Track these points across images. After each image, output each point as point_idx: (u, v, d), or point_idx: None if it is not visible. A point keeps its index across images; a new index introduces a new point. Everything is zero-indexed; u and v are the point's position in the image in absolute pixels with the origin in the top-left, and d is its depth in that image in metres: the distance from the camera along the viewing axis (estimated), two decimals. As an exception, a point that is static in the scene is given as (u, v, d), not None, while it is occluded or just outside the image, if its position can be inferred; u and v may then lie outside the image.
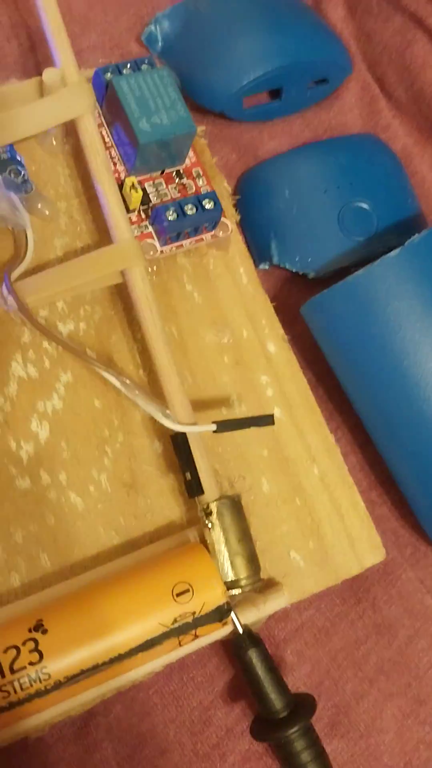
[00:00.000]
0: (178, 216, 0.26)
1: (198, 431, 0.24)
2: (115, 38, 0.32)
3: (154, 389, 0.26)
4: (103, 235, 0.28)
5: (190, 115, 0.27)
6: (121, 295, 0.27)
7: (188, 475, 0.24)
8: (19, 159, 0.27)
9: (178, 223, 0.26)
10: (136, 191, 0.27)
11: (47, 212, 0.27)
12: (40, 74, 0.30)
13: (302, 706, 0.24)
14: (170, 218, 0.26)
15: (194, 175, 0.29)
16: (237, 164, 0.32)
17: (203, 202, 0.27)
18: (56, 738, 0.25)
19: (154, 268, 0.28)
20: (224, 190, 0.29)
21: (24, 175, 0.27)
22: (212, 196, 0.27)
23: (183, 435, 0.24)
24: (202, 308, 0.28)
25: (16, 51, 0.31)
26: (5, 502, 0.24)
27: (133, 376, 0.26)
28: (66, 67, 0.26)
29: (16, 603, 0.23)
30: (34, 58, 0.31)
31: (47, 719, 0.22)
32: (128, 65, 0.28)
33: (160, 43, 0.32)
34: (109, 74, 0.27)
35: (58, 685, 0.21)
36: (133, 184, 0.27)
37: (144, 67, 0.28)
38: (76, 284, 0.25)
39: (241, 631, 0.24)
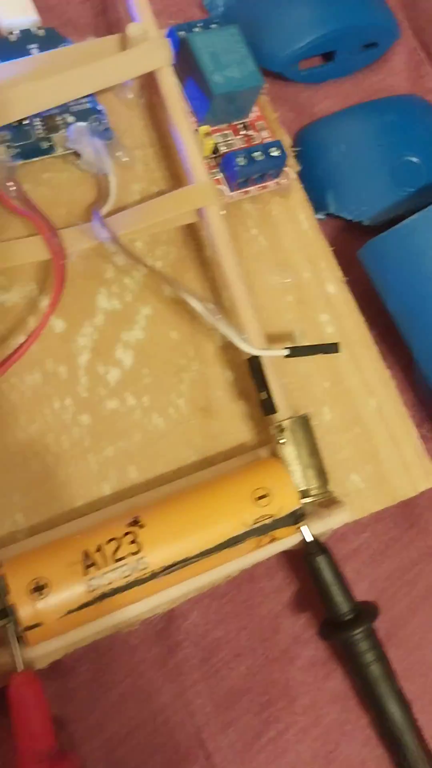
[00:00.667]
0: (247, 162, 0.29)
1: (272, 355, 0.26)
2: (178, 4, 0.35)
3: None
4: (175, 181, 0.30)
5: (258, 70, 0.29)
6: (193, 236, 0.29)
7: (263, 395, 0.26)
8: (100, 109, 0.29)
9: (246, 168, 0.29)
10: (210, 139, 0.29)
11: (125, 159, 0.29)
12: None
13: (366, 611, 0.26)
14: (240, 164, 0.28)
15: (258, 127, 0.31)
16: (294, 122, 0.34)
17: (270, 150, 0.29)
18: (140, 639, 0.27)
19: (223, 212, 0.30)
20: (285, 142, 0.32)
21: (105, 123, 0.29)
22: (278, 144, 0.29)
23: (258, 358, 0.26)
24: (266, 251, 0.30)
25: (89, 13, 0.33)
26: (97, 421, 0.27)
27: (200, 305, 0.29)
28: (146, 22, 0.28)
29: (109, 507, 0.25)
30: (106, 20, 0.33)
31: (139, 612, 0.24)
32: (199, 24, 0.30)
33: (220, 8, 0.34)
34: (182, 32, 0.30)
35: (153, 575, 0.23)
36: (207, 133, 0.29)
37: (213, 26, 0.30)
38: (158, 221, 0.27)
39: (311, 539, 0.26)
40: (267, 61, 0.33)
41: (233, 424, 0.28)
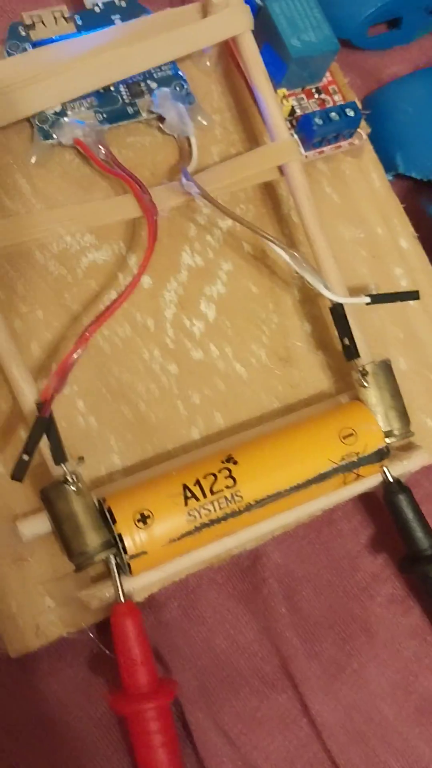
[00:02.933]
0: (323, 122, 0.30)
1: (354, 302, 0.27)
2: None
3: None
4: (252, 143, 0.31)
5: (333, 34, 0.30)
6: (271, 195, 0.30)
7: (346, 341, 0.27)
8: (181, 74, 0.30)
9: (324, 128, 0.30)
10: (287, 101, 0.30)
11: (205, 123, 0.30)
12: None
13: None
14: (318, 123, 0.29)
15: (331, 91, 0.32)
16: (361, 88, 0.35)
17: (345, 110, 0.30)
18: (227, 577, 0.28)
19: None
20: (356, 105, 0.32)
21: (187, 88, 0.30)
22: (352, 105, 0.30)
23: (341, 305, 0.27)
24: (341, 208, 0.31)
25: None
26: (184, 370, 0.28)
27: (283, 267, 0.30)
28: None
29: (200, 449, 0.26)
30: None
31: (231, 546, 0.26)
32: (275, -11, 0.31)
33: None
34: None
35: (248, 507, 0.24)
36: (284, 95, 0.30)
37: (288, -7, 0.31)
38: (242, 177, 0.28)
39: (392, 479, 0.27)
40: (335, 28, 0.34)
41: (313, 373, 0.29)
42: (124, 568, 0.24)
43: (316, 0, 0.30)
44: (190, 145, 0.30)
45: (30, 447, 0.23)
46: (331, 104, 0.32)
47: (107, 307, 0.26)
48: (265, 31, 0.30)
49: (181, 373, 0.28)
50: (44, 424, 0.23)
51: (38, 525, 0.24)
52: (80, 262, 0.28)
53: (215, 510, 0.24)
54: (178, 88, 0.30)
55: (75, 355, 0.24)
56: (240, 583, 0.28)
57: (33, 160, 0.28)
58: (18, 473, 0.23)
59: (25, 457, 0.23)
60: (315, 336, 0.29)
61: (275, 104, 0.28)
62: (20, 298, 0.27)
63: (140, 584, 0.25)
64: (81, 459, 0.25)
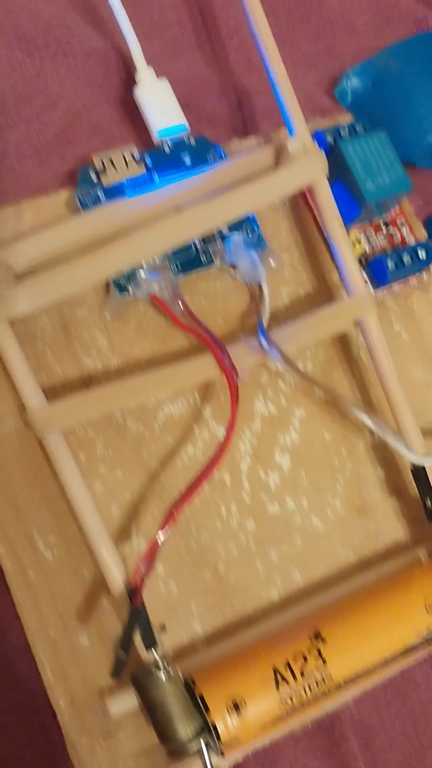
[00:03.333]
0: (396, 266, 0.29)
1: (436, 464, 0.27)
2: (307, 93, 0.35)
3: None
4: (321, 282, 0.31)
5: (406, 174, 0.30)
6: (341, 337, 0.30)
7: (429, 503, 0.27)
8: (252, 217, 0.30)
9: (397, 273, 0.30)
10: (359, 244, 0.30)
11: (274, 264, 0.30)
12: (246, 129, 0.34)
13: None
14: (391, 269, 0.29)
15: (398, 223, 0.32)
16: (423, 209, 0.35)
17: (418, 252, 0.30)
18: (304, 731, 0.28)
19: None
20: (422, 236, 0.32)
21: (258, 233, 0.30)
22: (425, 246, 0.30)
23: (423, 468, 0.27)
24: (410, 346, 0.31)
25: (226, 109, 0.34)
26: (261, 526, 0.28)
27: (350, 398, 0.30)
28: (302, 135, 0.29)
29: (281, 615, 0.26)
30: (241, 114, 0.34)
31: (315, 717, 0.26)
32: (346, 128, 0.31)
33: (350, 98, 0.35)
34: (329, 136, 0.31)
35: (338, 687, 0.24)
36: (356, 238, 0.30)
37: (358, 127, 0.31)
38: (319, 336, 0.28)
39: None
40: (398, 150, 0.34)
41: (388, 522, 0.29)
42: (215, 749, 0.24)
43: (387, 138, 0.30)
44: (261, 290, 0.30)
45: (126, 643, 0.23)
46: (398, 238, 0.31)
47: (193, 483, 0.25)
48: (337, 169, 0.30)
49: (258, 529, 0.28)
50: (138, 616, 0.23)
51: (127, 703, 0.24)
52: (157, 417, 0.28)
53: (306, 693, 0.24)
54: (249, 233, 0.30)
55: (163, 536, 0.24)
56: (317, 737, 0.28)
57: (108, 315, 0.28)
58: (117, 671, 0.23)
59: (122, 654, 0.23)
60: (389, 482, 0.29)
61: (351, 257, 0.28)
62: (100, 459, 0.27)
63: (229, 762, 0.25)
64: (163, 628, 0.25)
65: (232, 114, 0.34)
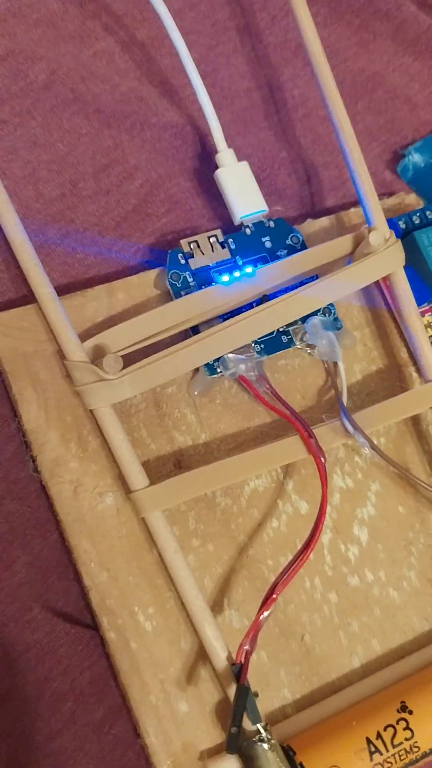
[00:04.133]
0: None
1: None
2: (370, 166, 0.37)
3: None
4: (390, 358, 0.33)
5: None
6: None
7: None
8: (330, 300, 0.32)
9: (467, 354, 0.32)
10: (429, 328, 0.32)
11: (348, 342, 0.32)
12: (313, 202, 0.36)
13: None
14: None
15: (462, 304, 0.34)
16: None
17: None
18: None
19: None
20: None
21: (334, 313, 0.32)
22: None
23: None
24: None
25: (295, 184, 0.36)
26: (343, 598, 0.30)
27: (425, 482, 0.32)
28: (380, 225, 0.31)
29: (364, 683, 0.29)
30: (309, 189, 0.36)
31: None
32: (418, 215, 0.33)
33: (411, 173, 0.37)
34: (402, 223, 0.33)
35: (425, 755, 0.27)
36: (428, 322, 0.32)
37: (429, 214, 0.33)
38: (397, 418, 0.30)
39: None
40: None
41: (458, 593, 0.31)
42: None
43: (460, 227, 0.32)
44: (337, 368, 0.32)
45: (238, 719, 0.25)
46: (463, 318, 0.34)
47: (292, 566, 0.27)
48: (410, 255, 0.32)
49: (340, 601, 0.30)
50: (245, 693, 0.25)
51: (226, 768, 0.26)
52: (243, 491, 0.30)
53: (396, 762, 0.26)
54: (326, 314, 0.32)
55: (265, 616, 0.26)
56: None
57: (196, 392, 0.30)
58: (232, 747, 0.25)
59: (235, 730, 0.25)
60: (458, 553, 0.32)
61: (428, 346, 0.30)
62: (192, 532, 0.29)
63: None
64: (256, 694, 0.27)
65: (300, 188, 0.36)
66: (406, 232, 0.33)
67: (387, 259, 0.30)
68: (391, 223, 0.32)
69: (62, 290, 0.32)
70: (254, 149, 0.36)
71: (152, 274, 0.31)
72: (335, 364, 0.32)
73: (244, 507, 0.30)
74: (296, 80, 0.37)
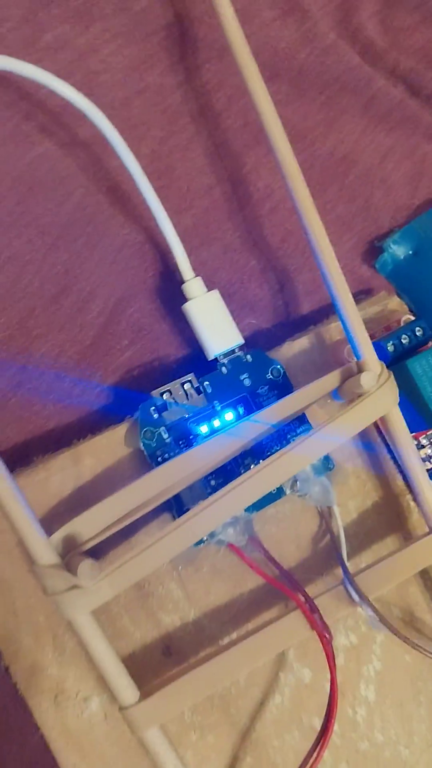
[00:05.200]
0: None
1: None
2: (344, 260, 0.35)
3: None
4: (386, 489, 0.31)
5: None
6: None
7: None
8: (320, 440, 0.30)
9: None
10: (423, 449, 0.30)
11: (340, 479, 0.30)
12: (288, 311, 0.33)
13: None
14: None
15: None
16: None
17: None
18: None
19: None
20: None
21: (327, 456, 0.29)
22: None
23: None
24: None
25: (267, 294, 0.33)
26: (353, 765, 0.28)
27: (430, 624, 0.30)
28: (371, 364, 0.28)
29: None
30: (282, 297, 0.33)
31: None
32: (406, 334, 0.30)
33: (390, 267, 0.35)
34: (390, 345, 0.30)
35: None
36: (426, 455, 0.30)
37: (418, 331, 0.30)
38: (405, 575, 0.28)
39: None
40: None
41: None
42: None
43: (452, 350, 0.30)
44: (332, 512, 0.29)
45: None
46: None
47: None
48: (401, 382, 0.29)
49: (350, 770, 0.28)
50: None
51: None
52: (241, 667, 0.28)
53: None
54: (317, 459, 0.29)
55: None
56: None
57: (180, 566, 0.28)
58: None
59: None
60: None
61: (430, 489, 0.28)
62: (189, 726, 0.27)
63: None
64: None
65: (273, 298, 0.33)
66: (395, 356, 0.30)
67: (381, 399, 0.28)
68: (378, 348, 0.30)
69: (19, 454, 0.29)
70: (220, 261, 0.33)
71: (121, 430, 0.28)
72: (329, 507, 0.30)
73: (243, 687, 0.28)
74: (260, 169, 0.34)
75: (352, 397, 0.30)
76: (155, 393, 0.28)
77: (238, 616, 0.28)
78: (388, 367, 0.29)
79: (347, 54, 0.35)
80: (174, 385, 0.28)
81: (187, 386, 0.29)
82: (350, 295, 0.29)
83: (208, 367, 0.30)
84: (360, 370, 0.28)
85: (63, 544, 0.25)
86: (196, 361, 0.31)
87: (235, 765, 0.27)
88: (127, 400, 0.31)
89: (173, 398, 0.28)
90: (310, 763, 0.26)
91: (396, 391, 0.28)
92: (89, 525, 0.26)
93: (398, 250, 0.35)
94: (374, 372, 0.28)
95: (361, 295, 0.35)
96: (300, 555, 0.29)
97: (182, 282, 0.30)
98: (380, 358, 0.29)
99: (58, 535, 0.25)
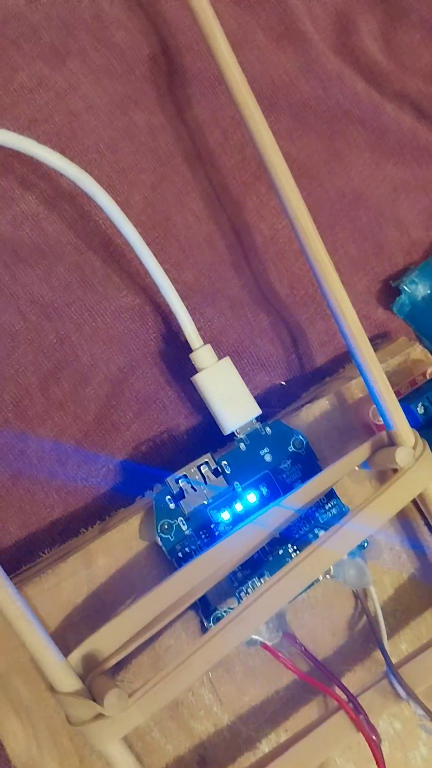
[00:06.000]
0: None
1: None
2: (357, 304, 0.32)
3: None
4: (422, 560, 0.29)
5: None
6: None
7: None
8: (350, 515, 0.28)
9: None
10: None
11: (375, 555, 0.28)
12: (303, 366, 0.31)
13: None
14: None
15: None
16: None
17: None
18: None
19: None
20: None
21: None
22: None
23: None
24: None
25: (280, 350, 0.31)
26: None
27: None
28: (405, 436, 0.26)
29: None
30: (296, 351, 0.31)
31: None
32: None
33: (408, 308, 0.32)
34: (420, 408, 0.28)
35: None
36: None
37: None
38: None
39: None
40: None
41: None
42: None
43: None
44: (368, 594, 0.28)
45: None
46: None
47: None
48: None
49: None
50: None
51: None
52: None
53: None
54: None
55: None
56: None
57: (210, 672, 0.26)
58: None
59: None
60: None
61: None
62: None
63: None
64: None
65: (286, 353, 0.31)
66: (426, 419, 0.28)
67: (419, 476, 0.26)
68: (407, 411, 0.28)
69: (24, 550, 0.27)
70: (227, 318, 0.30)
71: (134, 522, 0.26)
72: (365, 590, 0.28)
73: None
74: (262, 210, 0.32)
75: (384, 469, 0.28)
76: (170, 480, 0.26)
77: (276, 716, 0.26)
78: (419, 432, 0.27)
79: (351, 79, 0.32)
80: (190, 469, 0.26)
81: (204, 469, 0.26)
82: (372, 350, 0.26)
83: (221, 441, 0.28)
84: (392, 441, 0.26)
85: (83, 662, 0.23)
86: (208, 431, 0.29)
87: None
88: (138, 478, 0.28)
89: (192, 486, 0.26)
90: None
91: (432, 462, 0.26)
92: (109, 639, 0.24)
93: (416, 289, 0.32)
94: (409, 446, 0.26)
95: (377, 339, 0.33)
96: (336, 642, 0.28)
97: (190, 349, 0.27)
98: (410, 422, 0.27)
99: (77, 654, 0.23)
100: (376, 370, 0.26)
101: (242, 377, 0.28)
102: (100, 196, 0.27)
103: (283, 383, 0.30)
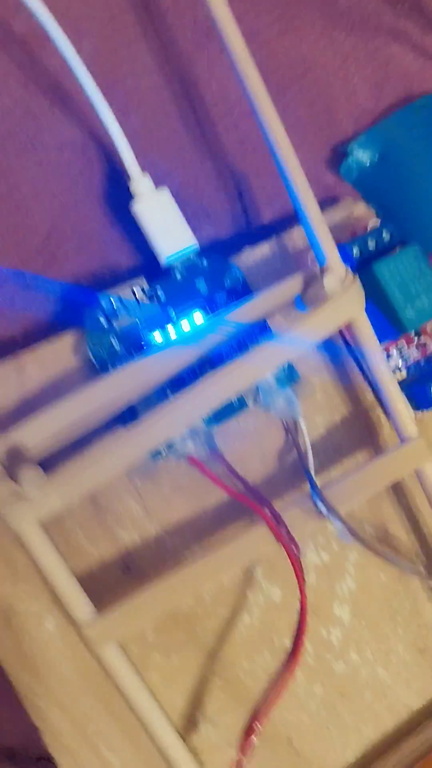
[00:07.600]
0: (440, 387, 0.30)
1: None
2: (305, 167, 0.34)
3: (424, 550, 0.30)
4: (355, 403, 0.31)
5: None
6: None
7: None
8: (283, 348, 0.29)
9: (441, 394, 0.30)
10: (401, 372, 0.30)
11: (307, 392, 0.30)
12: (248, 219, 0.33)
13: None
14: (435, 392, 0.29)
15: (429, 331, 0.32)
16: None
17: (459, 369, 0.30)
18: None
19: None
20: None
21: (289, 364, 0.29)
22: (464, 359, 0.30)
23: None
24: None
25: (225, 199, 0.32)
26: (329, 687, 0.28)
27: (405, 540, 0.30)
28: (335, 266, 0.28)
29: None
30: (241, 203, 0.33)
31: None
32: (372, 237, 0.30)
33: (355, 173, 0.34)
34: (356, 249, 0.30)
35: None
36: (396, 366, 0.30)
37: (384, 234, 0.30)
38: (375, 490, 0.28)
39: None
40: (409, 232, 0.34)
41: (450, 659, 0.30)
42: None
43: (421, 253, 0.29)
44: (298, 427, 0.29)
45: None
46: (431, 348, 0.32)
47: (275, 689, 0.26)
48: (369, 290, 0.29)
49: (326, 692, 0.28)
50: None
51: None
52: (207, 588, 0.28)
53: None
54: (281, 368, 0.29)
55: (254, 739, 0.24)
56: None
57: (139, 480, 0.27)
58: None
59: None
60: (445, 619, 0.31)
61: (400, 400, 0.28)
62: (152, 646, 0.27)
63: None
64: None
65: (231, 205, 0.33)
66: (361, 261, 0.30)
67: (346, 304, 0.27)
68: (343, 251, 0.29)
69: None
70: (172, 162, 0.32)
71: (68, 338, 0.28)
72: (295, 421, 0.29)
73: (209, 607, 0.28)
74: (213, 69, 0.33)
75: (317, 304, 0.29)
76: (102, 298, 0.27)
77: (202, 531, 0.28)
78: (354, 272, 0.29)
79: None
80: (123, 289, 0.28)
81: (137, 291, 0.28)
82: (314, 199, 0.28)
83: (162, 276, 0.29)
84: (324, 275, 0.28)
85: (6, 454, 0.25)
86: (149, 269, 0.31)
87: (204, 686, 0.27)
88: (76, 307, 0.30)
89: (124, 305, 0.28)
90: (281, 683, 0.26)
91: (362, 295, 0.28)
92: (35, 433, 0.25)
93: (363, 155, 0.34)
94: (338, 275, 0.27)
95: (326, 203, 0.34)
96: (265, 471, 0.29)
97: (130, 181, 0.29)
98: (345, 262, 0.29)
99: (1, 445, 0.25)
100: (312, 208, 0.28)
101: (188, 227, 0.29)
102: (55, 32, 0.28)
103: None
